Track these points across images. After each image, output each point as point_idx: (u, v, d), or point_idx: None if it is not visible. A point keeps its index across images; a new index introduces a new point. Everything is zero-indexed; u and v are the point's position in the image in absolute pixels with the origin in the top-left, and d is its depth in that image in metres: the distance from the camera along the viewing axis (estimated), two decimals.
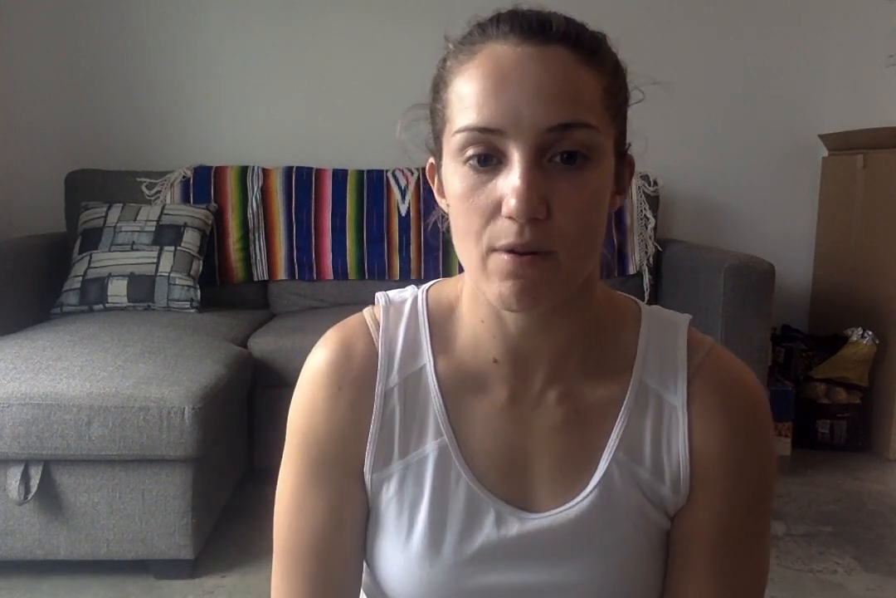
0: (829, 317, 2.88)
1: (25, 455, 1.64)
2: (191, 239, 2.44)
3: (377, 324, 0.73)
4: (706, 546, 0.69)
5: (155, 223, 2.44)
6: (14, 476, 1.65)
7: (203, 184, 2.62)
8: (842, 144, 2.81)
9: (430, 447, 0.69)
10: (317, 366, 0.72)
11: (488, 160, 0.60)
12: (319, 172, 2.67)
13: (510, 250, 0.59)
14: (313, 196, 2.64)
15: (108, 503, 1.68)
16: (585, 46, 0.61)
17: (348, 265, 2.63)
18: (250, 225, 2.61)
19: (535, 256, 0.59)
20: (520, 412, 0.70)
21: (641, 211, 2.68)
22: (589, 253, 0.63)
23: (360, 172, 2.66)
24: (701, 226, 2.99)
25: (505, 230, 0.59)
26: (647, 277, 2.65)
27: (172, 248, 2.41)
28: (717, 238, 2.93)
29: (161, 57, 2.83)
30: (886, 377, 2.53)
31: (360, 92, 2.85)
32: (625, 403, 0.69)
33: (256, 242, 2.63)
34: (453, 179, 0.62)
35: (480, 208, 0.60)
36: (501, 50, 0.60)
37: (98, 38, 2.81)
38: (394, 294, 0.76)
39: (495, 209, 0.59)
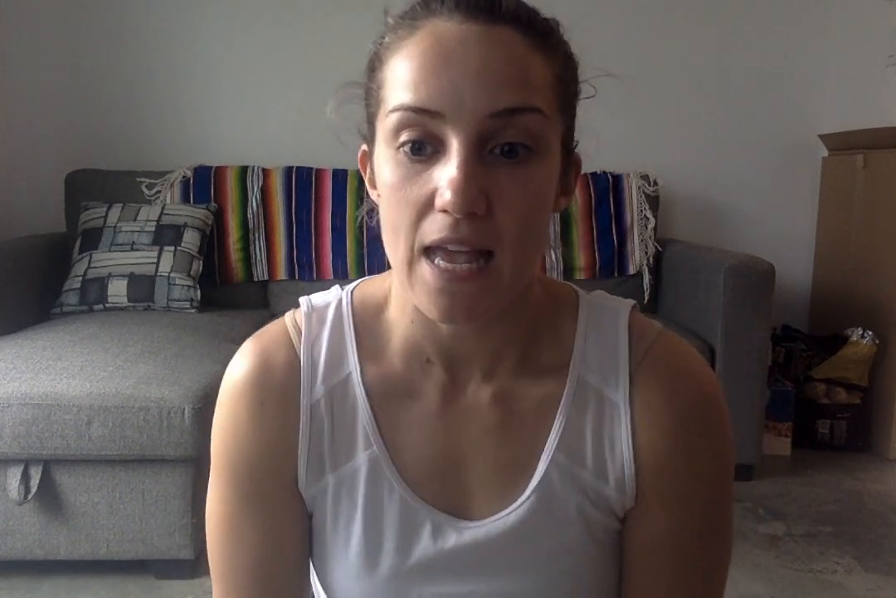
0: (829, 317, 2.88)
1: (25, 455, 1.64)
2: (191, 239, 2.44)
3: (299, 331, 0.68)
4: (662, 546, 0.65)
5: (155, 223, 2.44)
6: (14, 476, 1.65)
7: (203, 184, 2.62)
8: (842, 144, 2.81)
9: (361, 460, 0.66)
10: (235, 381, 0.68)
11: (423, 149, 0.55)
12: (319, 172, 2.67)
13: (443, 247, 0.54)
14: (313, 196, 2.64)
15: (108, 503, 1.68)
16: (538, 30, 0.57)
17: (348, 265, 2.63)
18: (250, 225, 2.61)
19: (471, 267, 0.54)
20: (453, 416, 0.66)
21: (641, 211, 2.68)
22: (531, 255, 0.58)
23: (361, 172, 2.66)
24: (701, 226, 2.99)
25: (438, 225, 0.54)
26: (647, 277, 2.65)
27: (172, 248, 2.41)
28: (717, 238, 2.93)
29: (161, 57, 2.83)
30: (886, 377, 2.53)
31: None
32: (562, 401, 0.65)
33: (256, 242, 2.63)
34: (385, 167, 0.57)
35: (412, 201, 0.55)
36: (444, 27, 0.55)
37: (98, 38, 2.81)
38: (317, 298, 0.71)
39: (429, 203, 0.54)
